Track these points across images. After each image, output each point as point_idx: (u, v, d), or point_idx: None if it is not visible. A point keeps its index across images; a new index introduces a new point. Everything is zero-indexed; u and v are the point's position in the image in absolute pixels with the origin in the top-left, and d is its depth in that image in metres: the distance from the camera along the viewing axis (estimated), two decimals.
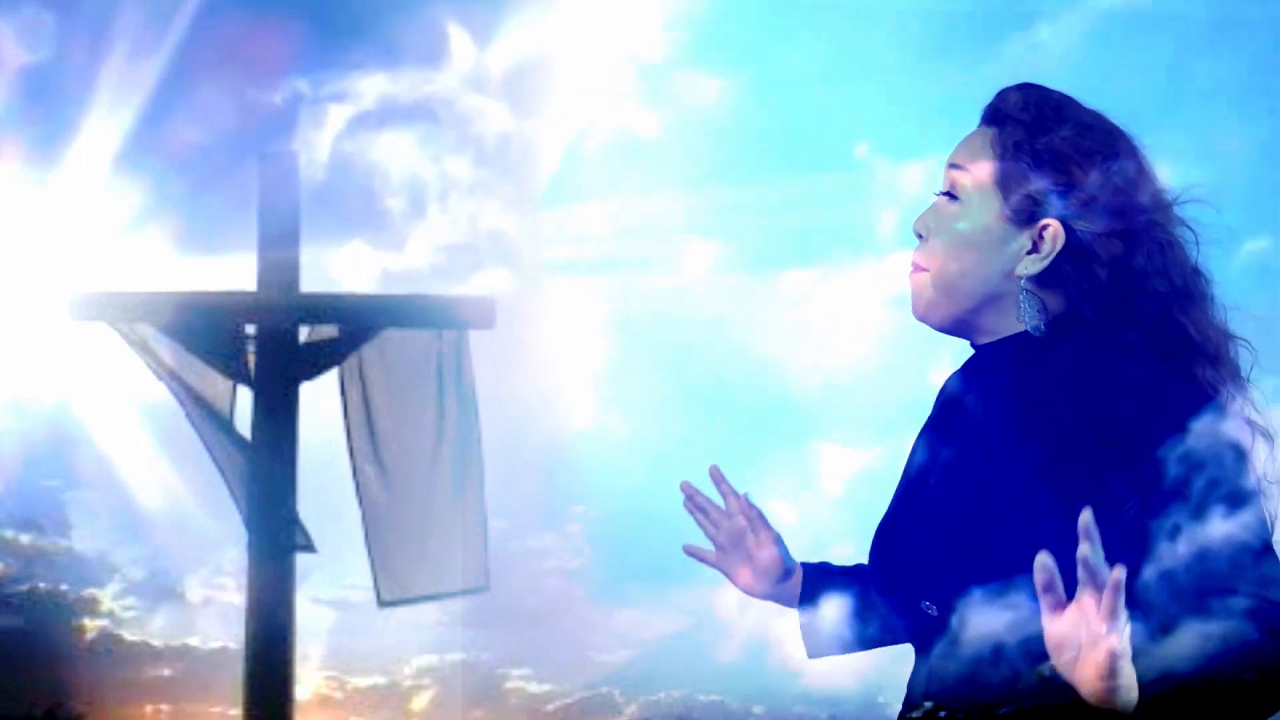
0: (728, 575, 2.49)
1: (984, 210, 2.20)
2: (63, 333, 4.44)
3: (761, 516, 2.49)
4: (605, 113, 4.63)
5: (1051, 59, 4.37)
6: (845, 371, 4.52)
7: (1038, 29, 4.44)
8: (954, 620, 2.08)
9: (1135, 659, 1.87)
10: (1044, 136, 2.22)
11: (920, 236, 2.23)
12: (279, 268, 4.49)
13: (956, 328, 2.23)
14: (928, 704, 2.21)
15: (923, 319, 2.22)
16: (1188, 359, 2.19)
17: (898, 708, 2.28)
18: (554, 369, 4.71)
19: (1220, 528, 2.00)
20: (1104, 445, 2.07)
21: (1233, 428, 2.09)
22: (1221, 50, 4.33)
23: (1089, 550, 1.82)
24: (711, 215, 4.61)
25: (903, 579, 2.17)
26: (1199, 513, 1.99)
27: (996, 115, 2.27)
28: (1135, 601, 1.93)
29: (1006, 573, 2.04)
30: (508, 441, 4.51)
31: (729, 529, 2.47)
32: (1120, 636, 1.82)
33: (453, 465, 4.53)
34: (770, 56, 4.63)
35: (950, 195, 2.23)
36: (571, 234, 4.73)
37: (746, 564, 2.47)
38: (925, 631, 2.13)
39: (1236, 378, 2.19)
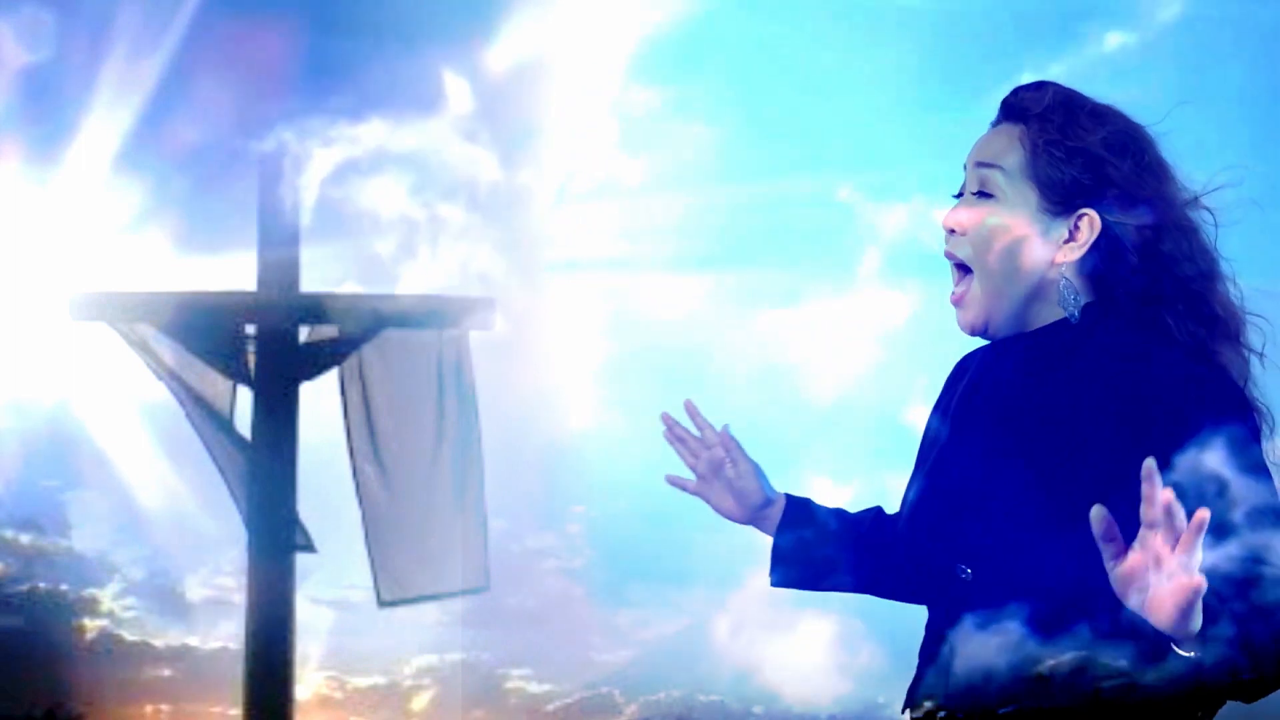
0: (708, 502, 2.59)
1: (1022, 203, 2.26)
2: (63, 333, 4.44)
3: (739, 448, 2.57)
4: (604, 112, 4.64)
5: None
6: (846, 371, 4.52)
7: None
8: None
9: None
10: (1072, 129, 2.29)
11: (952, 232, 2.27)
12: (279, 268, 4.49)
13: (1007, 326, 2.29)
14: (927, 704, 2.22)
15: (981, 328, 2.29)
16: (1213, 338, 2.27)
17: (898, 708, 2.29)
18: (554, 369, 4.71)
19: (1251, 509, 2.06)
20: (1138, 429, 2.14)
21: (1255, 416, 2.20)
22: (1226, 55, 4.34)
23: (1159, 491, 1.89)
24: (711, 215, 4.61)
25: (937, 544, 2.24)
26: (1226, 495, 2.06)
27: (1018, 111, 2.32)
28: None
29: (1042, 543, 2.13)
30: (508, 441, 4.52)
31: (708, 459, 2.55)
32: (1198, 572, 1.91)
33: (453, 465, 4.53)
34: (770, 55, 4.63)
35: (983, 194, 2.28)
36: (571, 234, 4.73)
37: (727, 492, 2.56)
38: (955, 594, 2.19)
39: (1249, 354, 2.28)
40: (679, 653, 3.70)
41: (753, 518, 2.58)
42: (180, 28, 4.40)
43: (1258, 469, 2.12)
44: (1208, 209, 2.29)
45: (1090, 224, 2.26)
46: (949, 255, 2.33)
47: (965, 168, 2.36)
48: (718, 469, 2.56)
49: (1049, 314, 2.28)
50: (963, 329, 2.32)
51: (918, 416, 2.55)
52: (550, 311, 4.74)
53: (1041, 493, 2.19)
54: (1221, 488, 2.08)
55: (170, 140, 4.47)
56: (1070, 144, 2.28)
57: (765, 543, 2.63)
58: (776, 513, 2.57)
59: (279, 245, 4.45)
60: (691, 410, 2.58)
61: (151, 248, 4.48)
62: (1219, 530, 2.06)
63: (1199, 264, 2.28)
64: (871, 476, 4.16)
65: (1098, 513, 1.93)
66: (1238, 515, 2.07)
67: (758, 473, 2.55)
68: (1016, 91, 2.37)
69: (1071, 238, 2.26)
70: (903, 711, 2.24)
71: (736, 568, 4.03)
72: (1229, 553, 2.05)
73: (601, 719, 3.98)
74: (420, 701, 4.52)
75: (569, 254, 4.75)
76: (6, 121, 4.44)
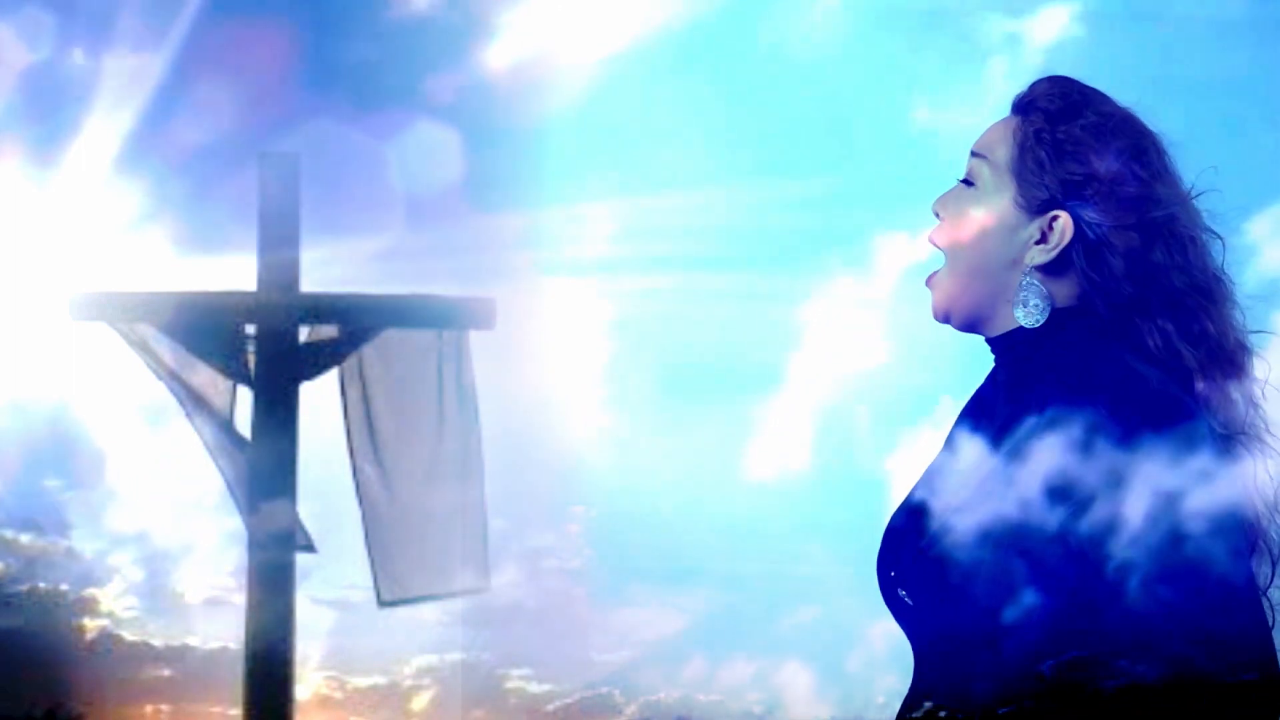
0: None
1: (997, 196, 2.21)
2: (63, 333, 4.44)
3: None
4: (604, 112, 4.63)
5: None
6: (845, 371, 4.52)
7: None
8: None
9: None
10: (1064, 125, 2.23)
11: (937, 216, 2.25)
12: (279, 268, 4.49)
13: (973, 321, 2.24)
14: (928, 704, 2.21)
15: (941, 318, 2.24)
16: (1199, 362, 2.17)
17: (898, 708, 2.28)
18: (554, 369, 4.71)
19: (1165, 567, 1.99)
20: (1064, 440, 2.09)
21: (1206, 462, 2.07)
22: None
23: None
24: (712, 215, 4.61)
25: (887, 572, 2.16)
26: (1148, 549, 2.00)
27: (1024, 104, 2.29)
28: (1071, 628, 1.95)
29: (980, 570, 2.08)
30: (508, 441, 4.51)
31: None
32: None
33: (453, 465, 4.53)
34: (769, 54, 4.63)
35: (968, 182, 2.25)
36: (571, 234, 4.73)
37: None
38: (909, 620, 2.13)
39: (1248, 392, 2.17)
40: (679, 653, 3.70)
41: None
42: (181, 28, 4.41)
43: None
44: (1214, 231, 2.20)
45: (1062, 228, 2.19)
46: (930, 239, 2.28)
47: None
48: None
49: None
50: (932, 314, 2.26)
51: (918, 417, 2.54)
52: (550, 311, 4.74)
53: (962, 514, 2.12)
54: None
55: (170, 140, 4.47)
56: (1057, 139, 2.22)
57: (764, 540, 2.61)
58: None
59: (279, 245, 4.45)
60: None
61: (151, 248, 4.48)
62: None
63: (1194, 278, 2.19)
64: (871, 475, 4.15)
65: None
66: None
67: None
68: (1032, 84, 2.32)
69: (1043, 239, 2.18)
70: (901, 712, 2.22)
71: (737, 567, 4.03)
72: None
73: (601, 719, 3.98)
74: (420, 701, 4.52)
75: (569, 254, 4.75)
76: (6, 121, 4.44)
